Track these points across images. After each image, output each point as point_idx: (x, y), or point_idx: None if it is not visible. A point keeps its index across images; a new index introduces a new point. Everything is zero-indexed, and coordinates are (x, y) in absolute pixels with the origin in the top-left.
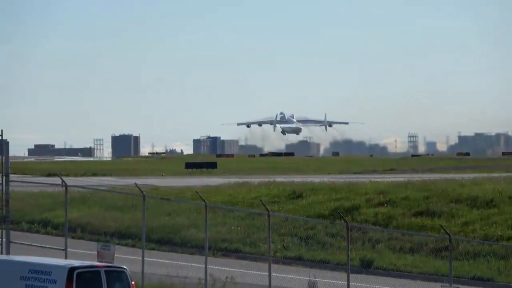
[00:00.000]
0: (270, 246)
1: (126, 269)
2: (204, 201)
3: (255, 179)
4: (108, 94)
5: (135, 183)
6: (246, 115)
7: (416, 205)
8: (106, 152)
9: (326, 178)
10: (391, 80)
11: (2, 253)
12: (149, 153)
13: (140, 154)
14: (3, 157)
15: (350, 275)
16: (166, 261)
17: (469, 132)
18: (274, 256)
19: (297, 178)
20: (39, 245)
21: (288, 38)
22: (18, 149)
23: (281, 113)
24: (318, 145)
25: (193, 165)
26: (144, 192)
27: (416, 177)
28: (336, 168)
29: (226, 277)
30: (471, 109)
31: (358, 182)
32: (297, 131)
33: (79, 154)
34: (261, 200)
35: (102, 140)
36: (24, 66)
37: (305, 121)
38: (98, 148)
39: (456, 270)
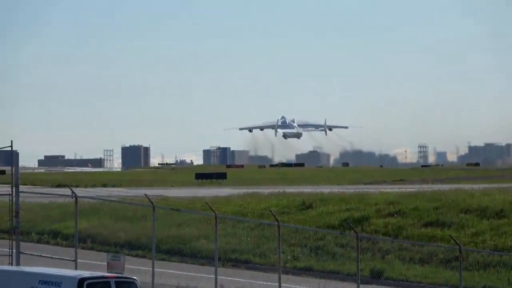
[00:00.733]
0: (280, 257)
1: (136, 280)
2: (214, 211)
3: (265, 190)
4: (118, 105)
5: (145, 194)
6: (259, 121)
7: (426, 215)
8: (116, 163)
9: (336, 189)
10: (401, 90)
11: (12, 264)
12: (159, 164)
13: (150, 165)
14: (13, 168)
15: (360, 285)
16: (176, 271)
17: (479, 142)
18: (284, 266)
19: (307, 189)
20: (49, 256)
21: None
22: (28, 160)
23: (282, 117)
24: (328, 156)
25: (203, 176)
26: (154, 203)
27: (426, 187)
28: (346, 179)
29: None
30: (481, 120)
31: (368, 193)
32: (298, 135)
33: (89, 165)
34: (270, 211)
35: (112, 151)
36: (33, 77)
37: (305, 126)
38: (108, 159)
39: (466, 280)
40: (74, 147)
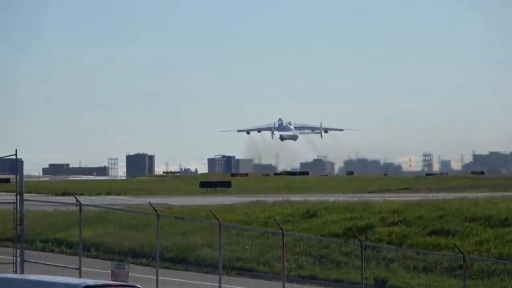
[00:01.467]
0: (284, 265)
1: None
2: (218, 220)
3: (269, 198)
4: (122, 114)
5: (149, 202)
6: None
7: (430, 224)
8: (120, 171)
9: (340, 197)
10: (406, 98)
11: (16, 272)
12: (163, 172)
13: (155, 173)
14: (17, 176)
15: None
16: (180, 280)
17: (484, 151)
18: (288, 275)
19: (312, 197)
20: (53, 264)
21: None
22: (32, 168)
23: (279, 119)
24: (332, 164)
25: (207, 184)
26: (158, 211)
27: (430, 196)
28: (351, 187)
29: None
30: (486, 128)
31: (372, 201)
32: (294, 138)
33: (94, 173)
34: (275, 219)
35: (116, 159)
36: (37, 85)
37: (301, 128)
38: (113, 167)
39: None
40: (78, 155)
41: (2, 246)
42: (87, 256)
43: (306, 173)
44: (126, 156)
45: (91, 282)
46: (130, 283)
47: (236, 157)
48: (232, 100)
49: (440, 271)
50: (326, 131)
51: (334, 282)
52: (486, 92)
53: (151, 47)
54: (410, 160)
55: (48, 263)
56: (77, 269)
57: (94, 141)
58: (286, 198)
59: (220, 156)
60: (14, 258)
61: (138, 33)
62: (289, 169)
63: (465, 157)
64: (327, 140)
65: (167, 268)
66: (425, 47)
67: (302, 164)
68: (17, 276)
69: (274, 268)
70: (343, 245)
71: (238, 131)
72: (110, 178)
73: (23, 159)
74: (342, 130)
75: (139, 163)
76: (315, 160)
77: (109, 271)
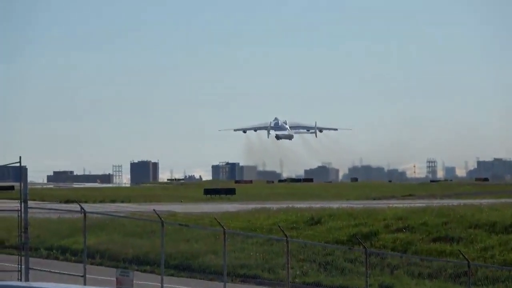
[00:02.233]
0: (288, 272)
1: None
2: (223, 227)
3: (274, 205)
4: (126, 121)
5: (153, 210)
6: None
7: (435, 230)
8: (125, 179)
9: (344, 204)
10: (411, 104)
11: (21, 280)
12: (167, 180)
13: (159, 181)
14: (22, 184)
15: None
16: (185, 287)
17: (488, 157)
18: (293, 282)
19: (316, 204)
20: (58, 271)
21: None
22: (37, 176)
23: (275, 119)
24: (337, 171)
25: (212, 191)
26: (162, 219)
27: (434, 202)
28: (355, 194)
29: None
30: (490, 135)
31: (376, 208)
32: (289, 137)
33: (98, 180)
34: (279, 226)
35: (121, 166)
36: (41, 92)
37: (296, 127)
38: (117, 174)
39: None
40: (83, 163)
41: (7, 253)
42: (91, 264)
43: (311, 180)
44: (131, 164)
45: None
46: None
47: (240, 164)
48: (232, 100)
49: (445, 277)
50: (320, 131)
51: None
52: (491, 100)
53: (153, 53)
54: (414, 166)
55: (53, 270)
56: (82, 276)
57: (98, 149)
58: (290, 205)
59: (224, 163)
60: (19, 265)
61: (140, 39)
62: (293, 176)
63: (469, 164)
64: (332, 146)
65: (172, 275)
66: (431, 53)
67: (306, 171)
68: (22, 284)
69: (278, 275)
70: (347, 252)
71: (235, 130)
72: (114, 185)
73: (27, 167)
74: (336, 129)
75: (143, 171)
76: (319, 167)
77: (114, 279)
